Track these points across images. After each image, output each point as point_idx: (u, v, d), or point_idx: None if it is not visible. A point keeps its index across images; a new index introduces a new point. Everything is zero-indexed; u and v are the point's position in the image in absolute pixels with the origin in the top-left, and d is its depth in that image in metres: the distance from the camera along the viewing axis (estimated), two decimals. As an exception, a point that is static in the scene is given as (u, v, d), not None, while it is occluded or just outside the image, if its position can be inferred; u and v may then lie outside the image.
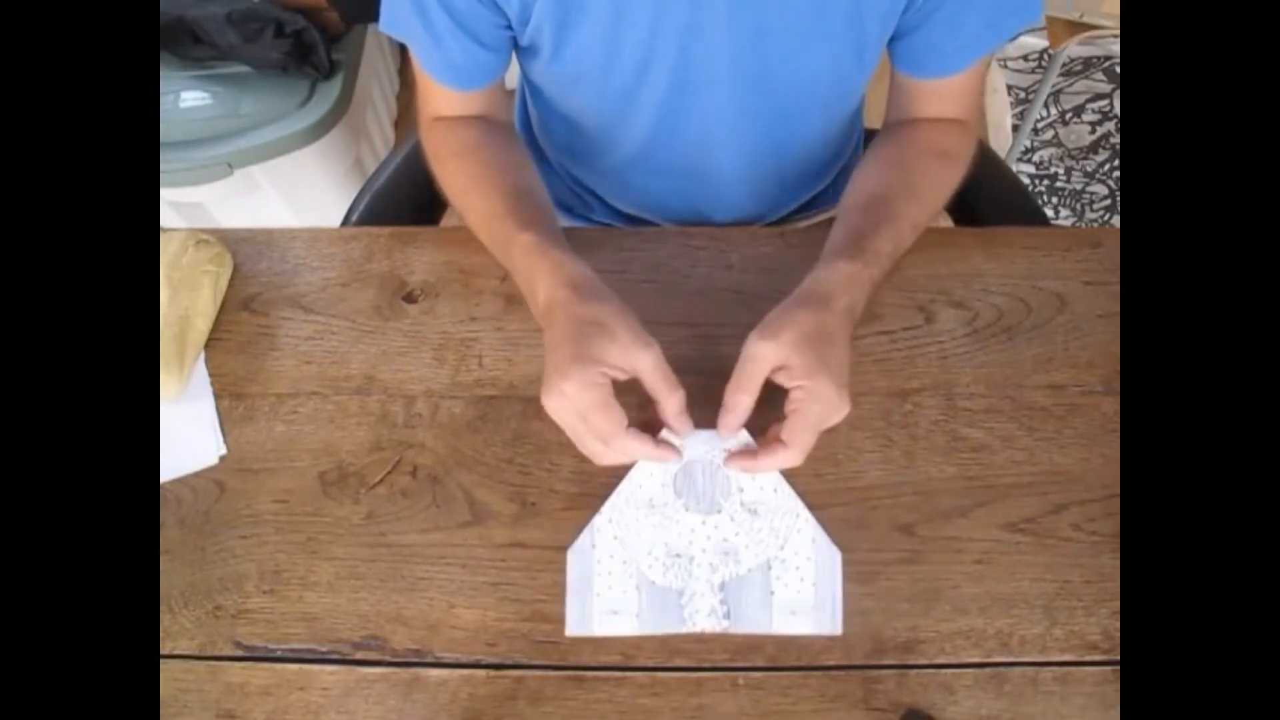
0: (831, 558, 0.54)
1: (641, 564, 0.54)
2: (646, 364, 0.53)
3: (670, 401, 0.54)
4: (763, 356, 0.53)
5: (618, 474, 0.57)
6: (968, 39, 0.65)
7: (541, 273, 0.58)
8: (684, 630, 0.53)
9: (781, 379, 0.53)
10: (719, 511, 0.54)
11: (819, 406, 0.52)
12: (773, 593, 0.53)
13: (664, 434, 0.55)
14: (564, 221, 0.88)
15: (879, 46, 0.66)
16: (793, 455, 0.53)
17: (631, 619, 0.53)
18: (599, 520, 0.54)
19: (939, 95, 0.69)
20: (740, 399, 0.54)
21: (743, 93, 0.67)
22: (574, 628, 0.53)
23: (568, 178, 0.86)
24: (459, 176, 0.69)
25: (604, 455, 0.54)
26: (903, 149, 0.69)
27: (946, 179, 0.67)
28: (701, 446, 0.55)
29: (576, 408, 0.52)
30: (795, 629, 0.53)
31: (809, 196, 0.86)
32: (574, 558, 0.54)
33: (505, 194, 0.65)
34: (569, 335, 0.53)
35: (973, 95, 0.70)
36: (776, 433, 0.54)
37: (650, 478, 0.55)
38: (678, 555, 0.54)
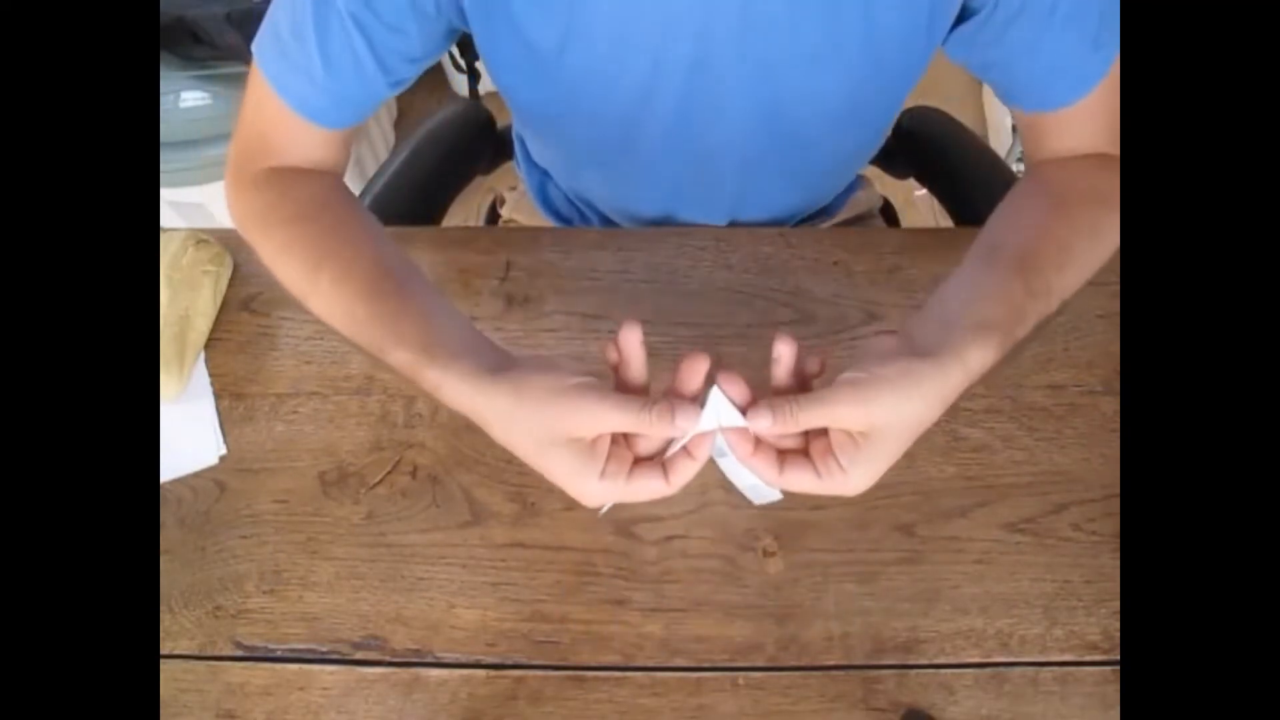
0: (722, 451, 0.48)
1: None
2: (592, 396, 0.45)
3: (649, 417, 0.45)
4: (846, 416, 0.45)
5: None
6: (1065, 66, 0.58)
7: (439, 386, 0.48)
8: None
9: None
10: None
11: (846, 472, 0.45)
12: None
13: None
14: (560, 225, 0.89)
15: (908, 71, 0.62)
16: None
17: None
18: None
19: (1063, 128, 0.62)
20: (795, 420, 0.45)
21: (755, 123, 0.64)
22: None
23: (568, 189, 0.86)
24: (301, 248, 0.56)
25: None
26: (1063, 205, 0.58)
27: (1106, 237, 0.56)
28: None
29: (585, 467, 0.45)
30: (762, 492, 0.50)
31: (819, 208, 0.85)
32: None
33: (364, 287, 0.52)
34: (532, 442, 0.45)
35: (1105, 122, 0.61)
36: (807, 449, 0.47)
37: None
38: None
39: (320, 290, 0.54)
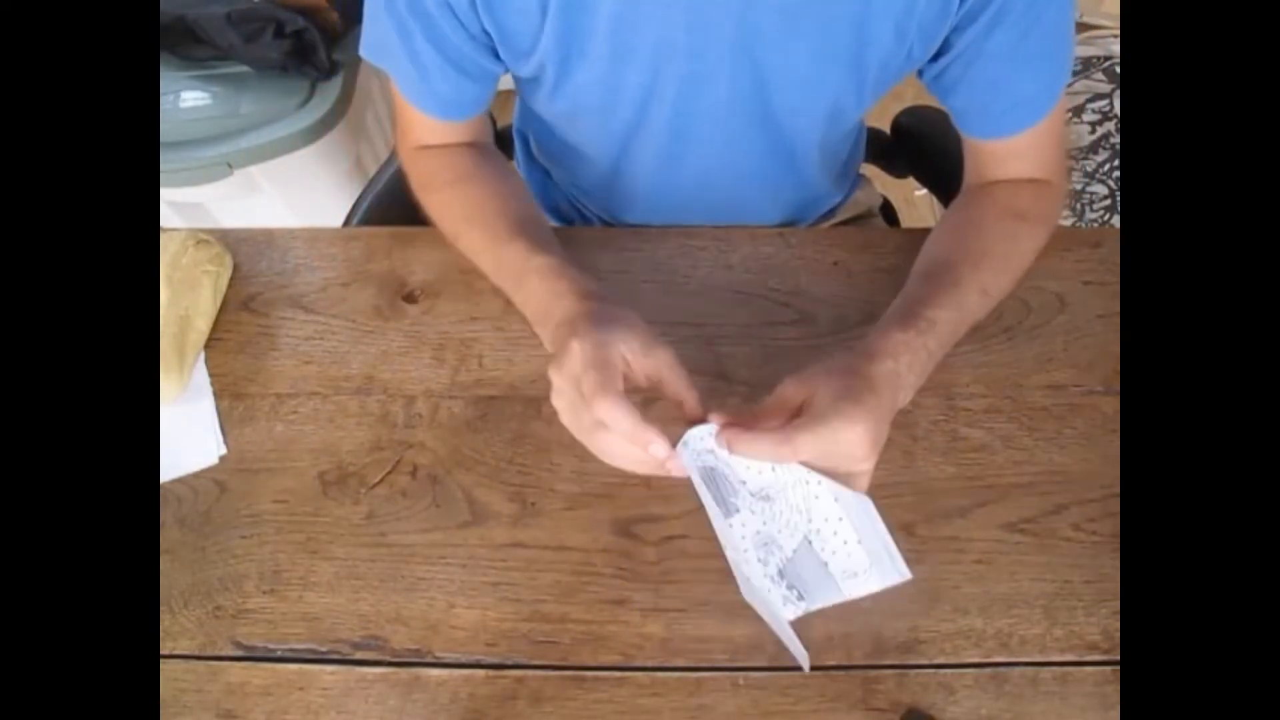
0: (863, 508, 0.49)
1: (736, 561, 0.51)
2: (666, 358, 0.50)
3: (690, 396, 0.50)
4: (784, 391, 0.50)
5: (617, 474, 0.56)
6: (1016, 99, 0.63)
7: (562, 294, 0.56)
8: (790, 617, 0.50)
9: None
10: (738, 511, 0.51)
11: (838, 426, 0.47)
12: (826, 564, 0.50)
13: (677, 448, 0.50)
14: (560, 225, 0.89)
15: (883, 87, 0.65)
16: (783, 450, 0.48)
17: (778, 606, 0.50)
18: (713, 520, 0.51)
19: (1008, 155, 0.67)
20: (751, 423, 0.49)
21: (744, 135, 0.68)
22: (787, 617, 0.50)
23: (568, 190, 0.86)
24: (457, 204, 0.67)
25: (608, 437, 0.49)
26: (975, 211, 0.66)
27: (1023, 241, 0.64)
28: (705, 451, 0.51)
29: (582, 359, 0.48)
30: (866, 589, 0.50)
31: (818, 214, 0.87)
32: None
33: (511, 220, 0.64)
34: (591, 326, 0.51)
35: (1049, 153, 0.67)
36: (779, 423, 0.49)
37: (697, 486, 0.50)
38: (733, 558, 0.51)
39: (471, 233, 0.66)
